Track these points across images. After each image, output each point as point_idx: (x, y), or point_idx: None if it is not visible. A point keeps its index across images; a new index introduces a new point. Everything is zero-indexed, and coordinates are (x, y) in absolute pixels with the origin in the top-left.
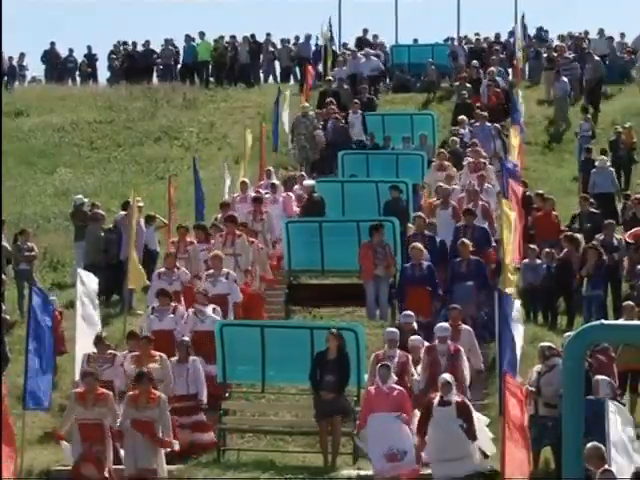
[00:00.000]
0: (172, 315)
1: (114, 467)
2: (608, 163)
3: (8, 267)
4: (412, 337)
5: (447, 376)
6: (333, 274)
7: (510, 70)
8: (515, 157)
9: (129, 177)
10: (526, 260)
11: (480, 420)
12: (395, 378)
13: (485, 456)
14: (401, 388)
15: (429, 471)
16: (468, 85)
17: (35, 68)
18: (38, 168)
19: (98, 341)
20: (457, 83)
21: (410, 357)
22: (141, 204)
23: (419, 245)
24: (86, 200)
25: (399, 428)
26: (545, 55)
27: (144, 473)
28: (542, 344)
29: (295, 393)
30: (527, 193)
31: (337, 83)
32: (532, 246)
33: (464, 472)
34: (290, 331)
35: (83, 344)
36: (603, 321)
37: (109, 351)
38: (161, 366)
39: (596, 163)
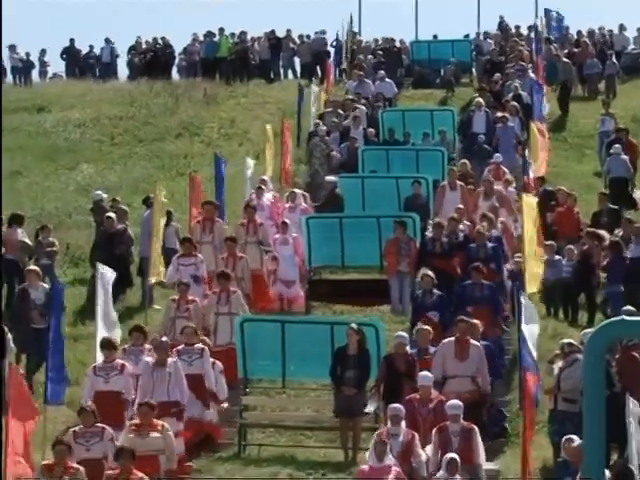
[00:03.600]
0: (148, 358)
1: None
2: (621, 151)
3: (29, 262)
4: (421, 374)
5: (454, 455)
6: (353, 270)
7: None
8: (535, 153)
9: (150, 173)
10: (545, 257)
11: None
12: (392, 458)
13: None
14: (399, 469)
15: None
16: (488, 94)
17: (55, 64)
18: (59, 164)
19: (82, 411)
20: (477, 95)
21: (417, 435)
22: (164, 200)
23: (430, 273)
24: (105, 196)
25: None
26: (566, 51)
27: None
28: (562, 340)
29: (316, 388)
30: (546, 189)
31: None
32: (550, 242)
33: None
34: (310, 326)
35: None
36: (624, 317)
37: (97, 424)
38: (163, 436)
39: (611, 151)
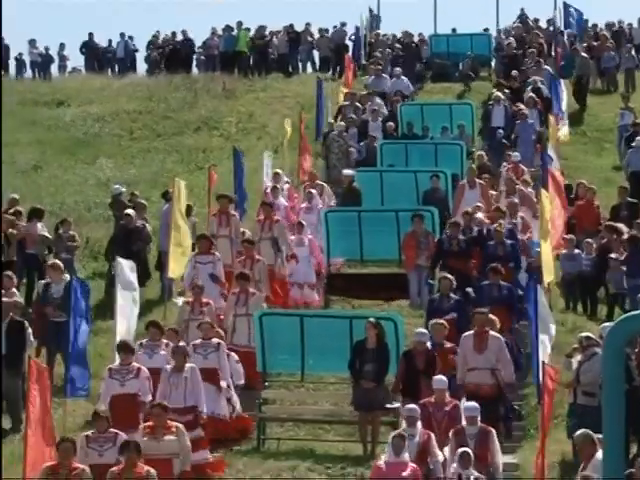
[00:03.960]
0: (163, 351)
1: None
2: None
3: (49, 256)
4: (435, 378)
5: (467, 449)
6: (372, 263)
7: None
8: (554, 146)
9: (169, 167)
10: (564, 250)
11: None
12: (407, 454)
13: None
14: (415, 466)
15: None
16: (507, 91)
17: (74, 58)
18: (79, 158)
19: (96, 416)
20: (495, 90)
21: (433, 435)
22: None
23: (449, 276)
24: (124, 190)
25: None
26: (585, 45)
27: None
28: (581, 334)
29: (334, 382)
30: (566, 183)
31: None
32: (570, 236)
33: None
34: (329, 320)
35: (121, 333)
36: None
37: (110, 429)
38: (178, 438)
39: (633, 144)
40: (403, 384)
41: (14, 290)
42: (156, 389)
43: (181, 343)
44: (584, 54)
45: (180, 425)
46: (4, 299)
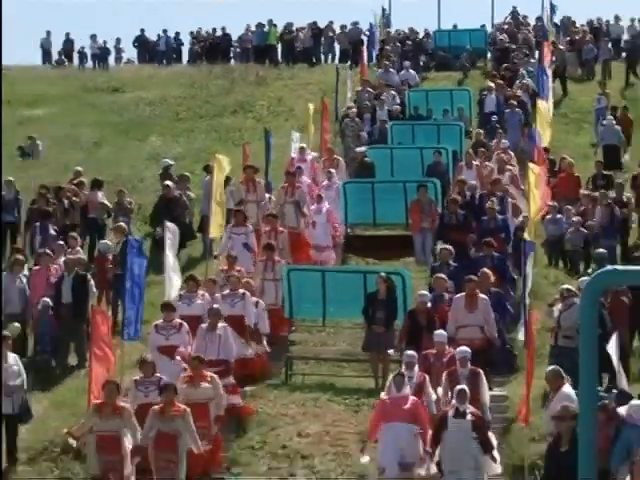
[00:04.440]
0: (200, 301)
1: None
2: (614, 121)
3: (108, 220)
4: (436, 332)
5: (463, 386)
6: (383, 227)
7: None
8: (540, 127)
9: (209, 144)
10: (549, 215)
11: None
12: (408, 389)
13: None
14: (415, 398)
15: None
16: (499, 81)
17: (128, 51)
18: (132, 136)
19: (143, 363)
20: (488, 81)
21: (427, 377)
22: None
23: (443, 276)
24: (173, 163)
25: (411, 440)
26: (568, 39)
27: None
28: (562, 286)
29: (351, 327)
30: (550, 157)
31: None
32: (553, 203)
33: None
34: (346, 275)
35: (171, 286)
36: (616, 267)
37: (155, 374)
38: (212, 385)
39: (604, 122)
40: (407, 338)
41: (78, 249)
42: (194, 337)
43: (215, 305)
44: (561, 47)
45: (214, 375)
46: (70, 257)
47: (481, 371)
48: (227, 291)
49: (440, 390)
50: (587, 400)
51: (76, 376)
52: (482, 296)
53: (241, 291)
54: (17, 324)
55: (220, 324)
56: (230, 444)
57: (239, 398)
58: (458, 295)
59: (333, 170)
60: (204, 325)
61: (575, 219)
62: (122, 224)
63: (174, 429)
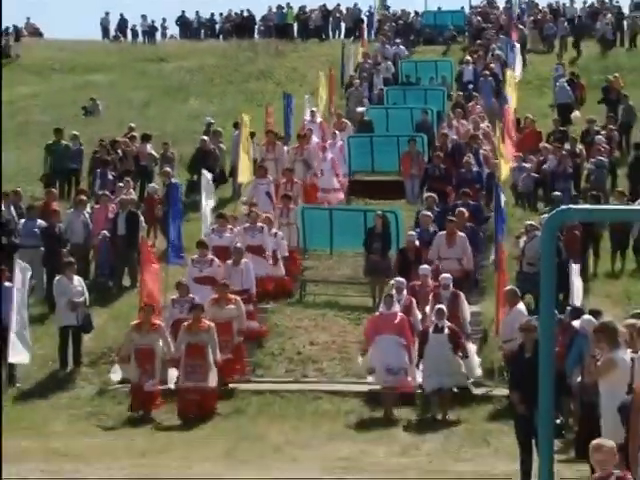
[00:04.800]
0: (229, 234)
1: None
2: (566, 84)
3: (156, 168)
4: (421, 267)
5: (441, 305)
6: (380, 173)
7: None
8: (509, 92)
9: (238, 105)
10: (515, 164)
11: (471, 349)
12: (397, 307)
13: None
14: (403, 315)
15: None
16: (475, 55)
17: (172, 28)
18: (175, 98)
19: (179, 285)
20: (467, 55)
21: (414, 300)
22: (246, 122)
23: (429, 213)
24: (213, 121)
25: (398, 349)
26: (532, 18)
27: (199, 388)
28: (526, 222)
29: (353, 255)
30: (516, 117)
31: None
32: (519, 154)
33: (453, 384)
34: (349, 213)
35: (206, 219)
36: (571, 206)
37: (189, 295)
38: (236, 307)
39: (557, 83)
40: (398, 270)
41: (131, 191)
42: (224, 263)
43: (238, 244)
44: (521, 26)
45: (238, 298)
46: (124, 197)
47: (461, 293)
48: (248, 225)
49: (427, 309)
50: (547, 315)
51: (129, 294)
52: (460, 234)
53: (260, 224)
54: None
55: (243, 260)
56: (254, 351)
57: (257, 323)
58: (440, 233)
59: (337, 132)
60: (229, 261)
61: (528, 166)
62: (168, 169)
63: (201, 341)
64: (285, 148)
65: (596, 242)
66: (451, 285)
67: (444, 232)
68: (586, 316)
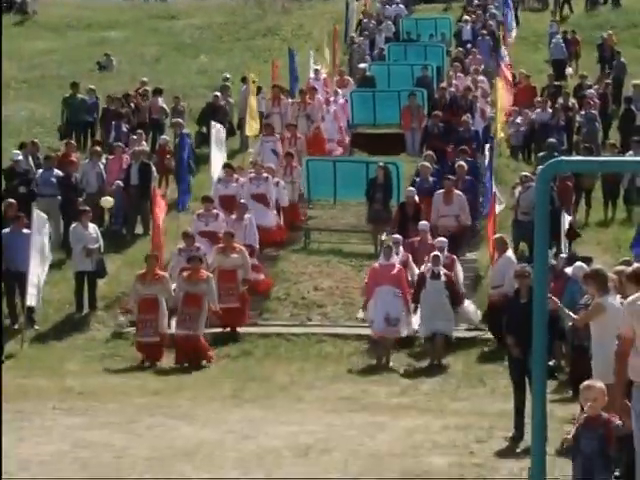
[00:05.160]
0: (235, 184)
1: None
2: (561, 40)
3: (167, 120)
4: (420, 223)
5: (437, 252)
6: (382, 126)
7: None
8: (505, 50)
9: (245, 61)
10: (510, 118)
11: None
12: (395, 258)
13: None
14: (400, 266)
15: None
16: (473, 16)
17: None
18: (186, 54)
19: (185, 235)
20: (465, 14)
21: (410, 256)
22: (255, 80)
23: (427, 163)
24: (229, 76)
25: (396, 300)
26: None
27: (191, 337)
28: (521, 173)
29: (356, 205)
30: (512, 72)
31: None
32: (514, 108)
33: (448, 331)
34: (352, 164)
35: (215, 169)
36: (563, 157)
37: (195, 244)
38: (241, 256)
39: (552, 40)
40: (397, 226)
41: (143, 142)
42: (229, 213)
43: (242, 200)
44: None
45: (243, 247)
46: (137, 148)
47: (455, 257)
48: (253, 175)
49: (423, 267)
50: (540, 262)
51: (142, 241)
52: (457, 192)
53: (264, 175)
54: (110, 198)
55: (246, 215)
56: (261, 297)
57: (262, 275)
58: (438, 192)
59: (340, 90)
60: (233, 216)
61: (520, 120)
62: (179, 120)
63: (199, 291)
64: (290, 100)
65: (588, 192)
66: (446, 249)
67: (442, 191)
68: (578, 263)
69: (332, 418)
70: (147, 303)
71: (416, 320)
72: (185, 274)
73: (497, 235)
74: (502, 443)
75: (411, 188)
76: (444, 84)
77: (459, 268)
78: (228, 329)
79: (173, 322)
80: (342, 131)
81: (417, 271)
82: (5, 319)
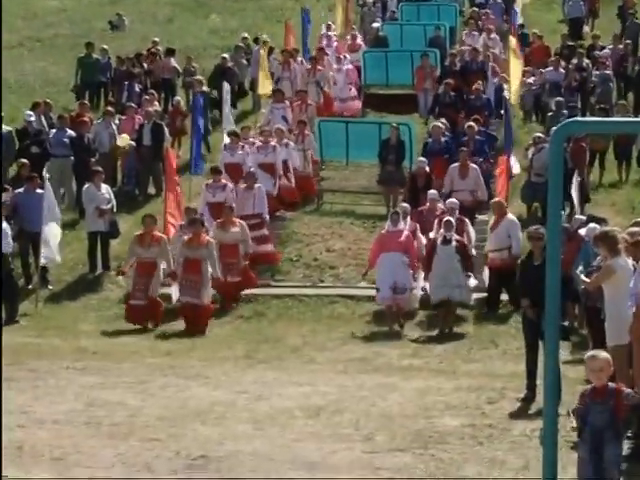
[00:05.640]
0: (241, 152)
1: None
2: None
3: (179, 80)
4: (430, 191)
5: (450, 217)
6: (394, 87)
7: None
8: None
9: (258, 21)
10: (523, 78)
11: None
12: (403, 225)
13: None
14: (408, 233)
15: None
16: None
17: None
18: (197, 14)
19: (187, 210)
20: None
21: (418, 226)
22: (267, 40)
23: (439, 124)
24: (247, 36)
25: (404, 267)
26: None
27: (191, 305)
28: (534, 134)
29: (368, 166)
30: (524, 32)
31: None
32: (527, 68)
33: (459, 298)
34: (365, 125)
35: (227, 129)
36: (577, 118)
37: (222, 181)
38: (241, 230)
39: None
40: (409, 195)
41: (155, 102)
42: (235, 183)
43: (252, 169)
44: None
45: (242, 222)
46: (149, 109)
47: (466, 219)
48: (260, 143)
49: (432, 233)
50: (553, 223)
51: (154, 202)
52: (473, 166)
53: (272, 143)
54: (126, 136)
55: (256, 185)
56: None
57: (270, 246)
58: (453, 165)
59: (348, 55)
60: (242, 185)
61: (531, 80)
62: (200, 77)
63: (199, 256)
64: (301, 60)
65: (602, 154)
66: (457, 210)
67: (457, 164)
68: (591, 224)
69: (344, 379)
70: (145, 266)
71: (425, 287)
72: (185, 238)
73: (495, 199)
74: (514, 404)
75: (422, 158)
76: (455, 49)
77: (471, 229)
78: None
79: (174, 288)
80: (356, 87)
81: (424, 242)
82: (20, 279)
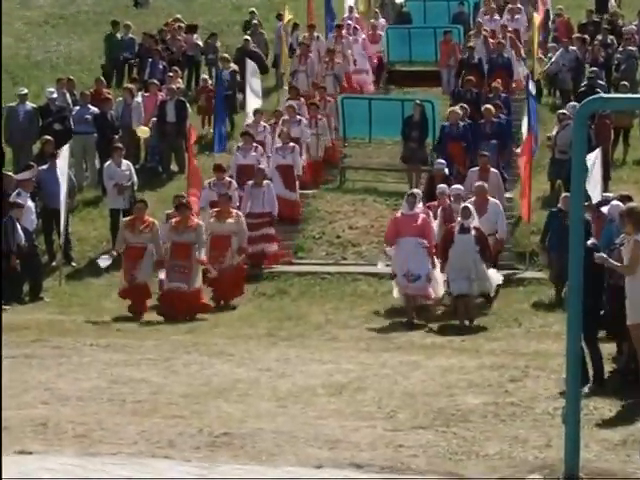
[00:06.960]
0: (254, 153)
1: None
2: None
3: (202, 57)
4: (440, 185)
5: (468, 204)
6: (417, 63)
7: None
8: None
9: None
10: (549, 54)
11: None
12: (421, 207)
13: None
14: (425, 216)
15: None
16: None
17: None
18: None
19: (179, 205)
20: None
21: (431, 213)
22: (291, 16)
23: (457, 109)
24: (255, 10)
25: (419, 254)
26: None
27: (177, 292)
28: (559, 111)
29: (391, 143)
30: (548, 9)
31: None
32: (553, 44)
33: (477, 291)
34: (388, 102)
35: (250, 107)
36: (602, 94)
37: (227, 179)
38: (236, 222)
39: None
40: (427, 195)
41: (179, 79)
42: (249, 178)
43: (262, 165)
44: None
45: (240, 212)
46: (172, 86)
47: (471, 206)
48: (280, 144)
49: (435, 225)
50: (577, 200)
51: (177, 179)
52: (493, 170)
53: (291, 144)
54: (146, 128)
55: (265, 182)
56: (296, 235)
57: (275, 246)
58: (473, 169)
59: (362, 36)
60: (250, 182)
61: (556, 57)
62: (226, 55)
63: (187, 240)
64: (317, 35)
65: (626, 131)
66: (462, 199)
67: (476, 168)
68: (614, 202)
69: (366, 357)
70: (134, 251)
71: (442, 278)
72: (173, 221)
73: (478, 183)
74: (537, 382)
75: (441, 160)
76: (471, 43)
77: (475, 217)
78: (222, 303)
79: (162, 274)
80: (374, 59)
81: (436, 230)
82: (43, 256)
